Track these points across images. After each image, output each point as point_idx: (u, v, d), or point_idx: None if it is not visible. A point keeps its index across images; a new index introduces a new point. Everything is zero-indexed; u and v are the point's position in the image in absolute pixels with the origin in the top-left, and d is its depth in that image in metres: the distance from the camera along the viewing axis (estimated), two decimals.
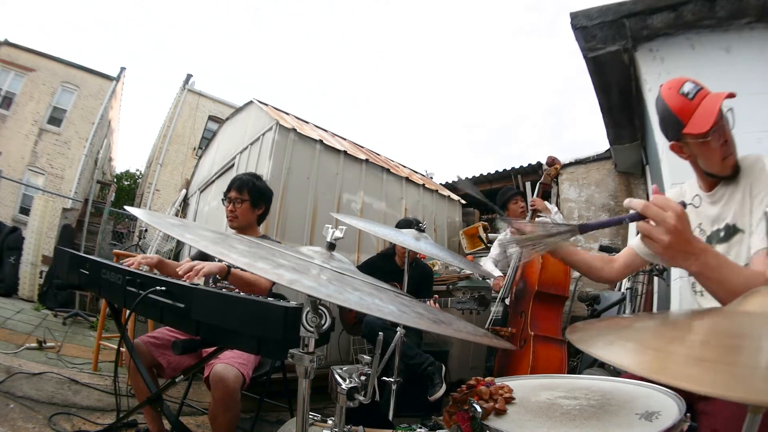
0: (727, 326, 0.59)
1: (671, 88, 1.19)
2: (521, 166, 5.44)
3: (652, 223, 0.81)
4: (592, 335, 0.60)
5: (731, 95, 1.11)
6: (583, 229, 0.95)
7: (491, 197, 3.47)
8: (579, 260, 1.36)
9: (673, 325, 0.72)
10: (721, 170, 1.21)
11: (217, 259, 1.90)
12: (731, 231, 1.19)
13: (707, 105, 1.13)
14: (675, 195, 1.40)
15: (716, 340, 0.56)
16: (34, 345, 3.07)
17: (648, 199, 0.85)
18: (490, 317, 2.73)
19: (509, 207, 3.25)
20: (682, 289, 1.39)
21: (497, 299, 2.82)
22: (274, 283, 1.84)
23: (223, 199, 2.06)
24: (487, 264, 3.33)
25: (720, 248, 1.21)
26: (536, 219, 3.09)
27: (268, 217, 2.23)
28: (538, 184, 2.95)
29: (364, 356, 0.95)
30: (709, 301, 1.23)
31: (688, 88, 1.16)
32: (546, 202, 2.98)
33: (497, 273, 3.16)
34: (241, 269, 2.01)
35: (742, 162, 1.21)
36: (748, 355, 0.49)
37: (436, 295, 2.62)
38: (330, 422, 1.11)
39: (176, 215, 6.09)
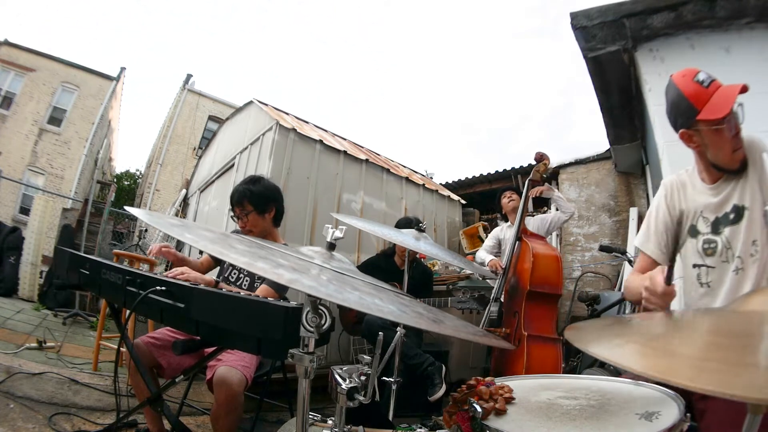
0: (730, 326, 0.59)
1: (685, 76, 1.19)
2: (521, 166, 5.44)
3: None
4: (593, 335, 0.60)
5: (745, 88, 1.11)
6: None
7: (490, 198, 3.49)
8: None
9: (675, 326, 0.72)
10: (730, 162, 1.19)
11: (227, 265, 1.91)
12: (740, 211, 1.18)
13: (724, 92, 1.13)
14: (674, 179, 1.38)
15: (721, 341, 0.56)
16: (34, 345, 3.07)
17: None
18: (484, 317, 2.72)
19: (501, 203, 3.34)
20: (683, 289, 1.39)
21: (491, 299, 2.79)
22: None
23: (231, 216, 2.02)
24: (481, 253, 3.34)
25: (729, 231, 1.20)
26: (526, 218, 3.11)
27: None
28: (527, 181, 2.93)
29: (364, 356, 0.95)
30: (714, 292, 1.22)
31: (702, 76, 1.17)
32: (546, 185, 3.03)
33: (490, 257, 3.17)
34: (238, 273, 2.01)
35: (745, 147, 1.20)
36: (753, 354, 0.49)
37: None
38: (330, 422, 1.11)
39: (176, 215, 6.09)
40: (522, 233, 2.80)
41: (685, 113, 1.18)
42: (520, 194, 3.14)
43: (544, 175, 3.00)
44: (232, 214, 2.00)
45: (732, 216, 1.20)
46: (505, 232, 3.29)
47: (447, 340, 3.20)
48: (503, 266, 2.79)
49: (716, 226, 1.23)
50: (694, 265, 1.29)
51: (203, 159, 6.11)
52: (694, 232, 1.29)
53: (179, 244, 4.11)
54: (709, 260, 1.24)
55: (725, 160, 1.20)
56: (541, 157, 2.97)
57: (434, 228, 4.89)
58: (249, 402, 1.95)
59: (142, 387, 1.54)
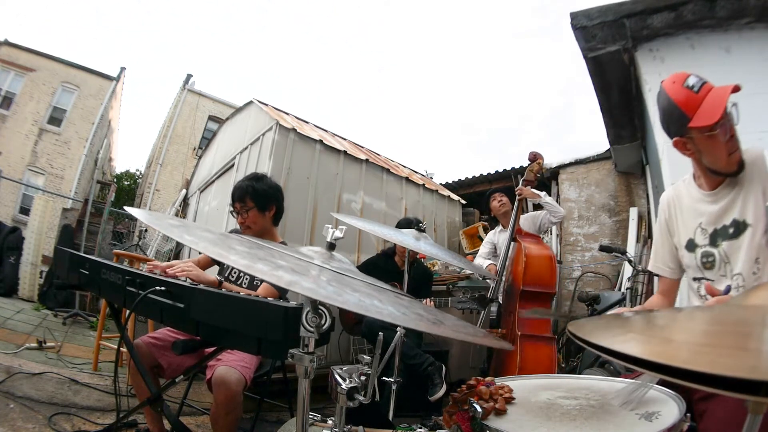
0: (731, 317, 0.59)
1: (675, 82, 1.15)
2: (521, 166, 5.44)
3: None
4: (594, 328, 0.60)
5: (737, 88, 1.08)
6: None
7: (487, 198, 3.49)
8: None
9: (674, 318, 0.72)
10: (726, 166, 1.16)
11: (227, 264, 1.89)
12: (741, 227, 1.15)
13: (714, 97, 1.09)
14: (671, 195, 1.36)
15: (721, 329, 0.56)
16: (34, 345, 3.07)
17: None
18: (481, 318, 2.71)
19: (491, 206, 3.30)
20: (682, 291, 1.39)
21: (488, 300, 2.78)
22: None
23: (231, 212, 2.02)
24: (478, 260, 3.33)
25: (727, 245, 1.17)
26: (521, 216, 3.09)
27: None
28: (521, 181, 2.93)
29: (364, 356, 0.95)
30: None
31: (692, 81, 1.12)
32: (533, 189, 2.98)
33: (487, 262, 3.17)
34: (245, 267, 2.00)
35: (745, 155, 1.17)
36: (756, 340, 0.48)
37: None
38: (330, 422, 1.11)
39: (176, 215, 6.09)
40: (516, 233, 2.80)
41: (677, 121, 1.15)
42: (510, 196, 3.14)
43: (538, 175, 2.98)
44: (231, 209, 2.00)
45: (731, 230, 1.17)
46: (498, 236, 3.27)
47: (447, 340, 3.20)
48: (497, 270, 2.80)
49: (714, 239, 1.21)
50: (694, 279, 1.27)
51: (203, 159, 6.11)
52: (692, 246, 1.26)
53: (179, 245, 4.11)
54: (708, 273, 1.23)
55: (722, 165, 1.17)
56: (534, 157, 2.97)
57: (434, 228, 4.89)
58: (249, 402, 1.95)
59: (142, 387, 1.54)
